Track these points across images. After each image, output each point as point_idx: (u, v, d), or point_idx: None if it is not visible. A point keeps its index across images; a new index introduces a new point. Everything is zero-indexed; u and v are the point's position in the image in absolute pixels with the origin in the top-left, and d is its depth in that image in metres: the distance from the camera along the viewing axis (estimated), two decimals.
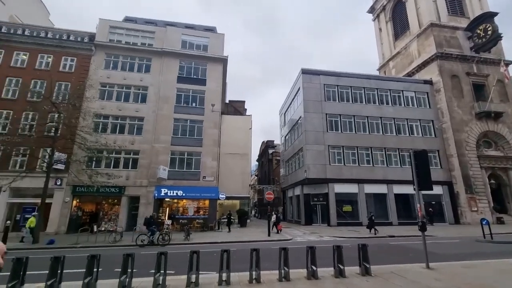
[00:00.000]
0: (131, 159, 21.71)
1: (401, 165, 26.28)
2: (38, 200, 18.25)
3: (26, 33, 22.91)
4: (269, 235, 17.26)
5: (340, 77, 28.24)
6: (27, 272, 5.50)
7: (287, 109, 35.26)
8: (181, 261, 8.58)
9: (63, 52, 22.64)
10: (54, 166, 16.86)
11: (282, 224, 21.22)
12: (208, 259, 9.22)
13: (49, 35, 23.25)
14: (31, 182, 17.81)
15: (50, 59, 22.26)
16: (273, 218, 19.82)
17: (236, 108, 39.62)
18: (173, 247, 13.11)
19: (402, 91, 28.86)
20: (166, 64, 24.22)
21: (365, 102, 27.93)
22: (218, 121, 24.00)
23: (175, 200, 22.31)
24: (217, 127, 23.79)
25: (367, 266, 6.94)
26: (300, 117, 27.85)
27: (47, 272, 5.46)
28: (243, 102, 44.14)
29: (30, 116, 19.89)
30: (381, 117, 27.49)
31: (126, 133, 22.11)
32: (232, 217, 27.18)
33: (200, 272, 6.18)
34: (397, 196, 25.15)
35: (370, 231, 18.10)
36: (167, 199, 21.98)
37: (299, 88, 28.52)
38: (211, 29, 29.01)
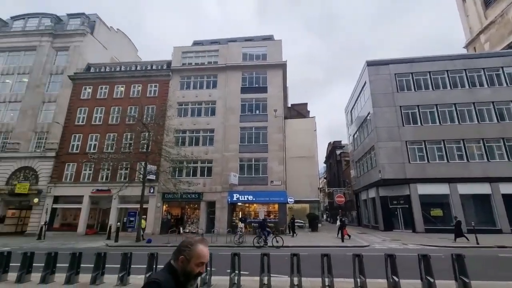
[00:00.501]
0: (206, 168, 23.98)
1: (509, 159, 21.32)
2: (137, 206, 22.02)
3: (122, 69, 28.21)
4: (342, 240, 16.41)
5: (413, 63, 24.99)
6: (132, 266, 6.75)
7: (353, 106, 33.08)
8: (253, 263, 9.01)
9: (148, 80, 26.91)
10: (148, 177, 20.02)
11: (357, 230, 19.83)
12: (279, 263, 9.39)
13: (138, 68, 28.06)
14: (132, 191, 21.55)
15: (140, 88, 26.77)
16: (338, 223, 18.79)
17: (298, 111, 39.34)
18: (246, 249, 13.81)
19: (502, 67, 23.55)
20: (230, 78, 26.04)
21: (450, 87, 23.88)
22: (281, 125, 24.32)
23: (247, 205, 23.50)
24: (281, 132, 24.13)
25: (466, 280, 5.91)
26: (369, 113, 25.74)
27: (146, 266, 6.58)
28: (305, 104, 43.50)
29: (128, 136, 24.20)
30: (474, 103, 23.01)
31: (200, 144, 24.60)
32: (300, 221, 26.87)
33: (271, 275, 6.38)
34: (507, 197, 20.43)
35: (455, 240, 15.26)
36: (239, 204, 23.34)
37: (365, 82, 26.47)
38: (269, 38, 29.85)
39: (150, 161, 20.45)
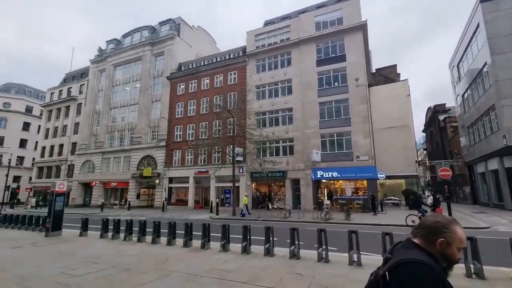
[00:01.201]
0: (288, 147, 24.53)
1: None
2: (231, 184, 24.78)
3: (205, 63, 31.17)
4: None
5: None
6: (230, 236, 7.86)
7: (461, 59, 26.60)
8: (341, 239, 8.99)
9: (228, 69, 28.88)
10: (236, 158, 22.11)
11: (472, 209, 16.70)
12: (369, 241, 9.07)
13: (218, 59, 30.38)
14: (225, 171, 24.34)
15: (221, 77, 29.11)
16: (429, 200, 16.05)
17: (385, 76, 34.58)
18: (333, 225, 13.77)
19: None
20: (304, 52, 25.06)
21: None
22: (365, 95, 22.10)
23: (332, 181, 23.02)
24: (364, 102, 21.99)
25: None
26: (485, 63, 20.27)
27: (241, 236, 7.55)
28: (394, 66, 37.74)
29: (217, 123, 27.05)
30: None
31: (280, 124, 25.17)
32: (395, 198, 24.61)
33: (361, 253, 6.27)
34: None
35: None
36: (323, 181, 23.10)
37: (478, 24, 20.72)
38: None
39: (237, 144, 22.35)
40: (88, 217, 11.88)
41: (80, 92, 41.15)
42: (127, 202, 29.25)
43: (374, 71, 35.64)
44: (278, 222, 15.51)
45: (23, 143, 51.01)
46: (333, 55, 23.82)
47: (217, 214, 20.55)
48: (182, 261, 6.55)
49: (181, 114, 30.78)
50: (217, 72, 29.47)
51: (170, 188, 29.83)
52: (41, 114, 48.74)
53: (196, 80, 30.75)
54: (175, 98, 31.53)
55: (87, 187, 35.85)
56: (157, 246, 8.46)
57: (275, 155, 24.62)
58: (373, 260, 6.46)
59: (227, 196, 26.93)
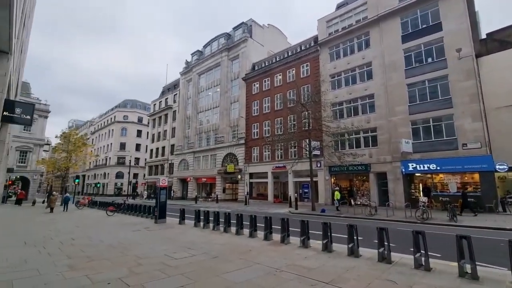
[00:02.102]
0: (370, 137, 22.28)
1: None
2: (309, 179, 24.31)
3: (277, 59, 31.44)
4: None
5: None
6: (310, 232, 7.67)
7: None
8: (445, 244, 7.56)
9: (300, 62, 28.31)
10: (313, 152, 21.50)
11: None
12: (488, 249, 7.33)
13: (289, 53, 30.14)
14: (302, 166, 24.04)
15: (293, 72, 28.79)
16: None
17: (503, 41, 26.91)
18: (433, 227, 11.72)
19: None
20: (385, 29, 22.11)
21: None
22: (471, 68, 17.84)
23: (429, 175, 19.64)
24: (471, 77, 17.76)
25: None
26: None
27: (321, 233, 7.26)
28: None
29: (291, 118, 26.93)
30: None
31: (360, 113, 23.06)
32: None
33: (477, 263, 5.05)
34: None
35: None
36: (417, 174, 19.96)
37: None
38: None
39: (313, 138, 21.69)
40: (185, 208, 13.77)
41: (174, 101, 48.01)
42: (216, 196, 32.51)
43: (484, 36, 28.34)
44: (362, 220, 14.32)
45: (138, 147, 63.42)
46: (424, 26, 20.11)
47: (296, 208, 20.52)
48: (263, 254, 6.78)
49: (257, 112, 32.04)
50: (289, 67, 29.26)
51: (250, 183, 31.58)
52: (148, 123, 59.36)
53: (269, 78, 31.37)
54: (251, 97, 33.01)
55: (184, 182, 41.71)
56: (241, 237, 9.04)
57: (356, 147, 22.75)
58: (494, 274, 5.14)
59: (305, 191, 26.58)
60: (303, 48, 29.24)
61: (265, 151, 30.18)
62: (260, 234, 9.05)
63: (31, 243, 8.26)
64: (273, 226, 8.80)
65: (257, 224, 9.31)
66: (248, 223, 9.33)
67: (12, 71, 7.80)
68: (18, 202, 27.91)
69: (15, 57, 8.71)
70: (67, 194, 23.88)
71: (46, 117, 40.94)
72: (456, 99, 18.04)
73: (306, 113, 21.49)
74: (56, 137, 37.77)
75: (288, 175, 27.08)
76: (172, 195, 40.16)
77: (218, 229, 10.46)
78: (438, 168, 18.20)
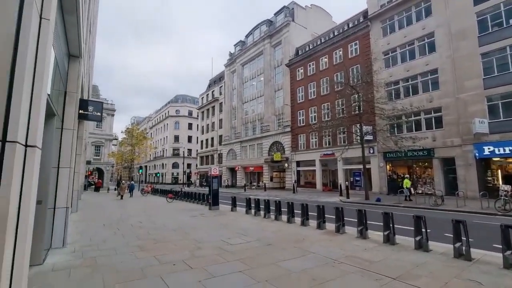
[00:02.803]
0: (432, 118, 19.77)
1: None
2: (360, 166, 22.91)
3: (322, 41, 29.75)
4: None
5: None
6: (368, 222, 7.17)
7: None
8: None
9: (347, 41, 26.29)
10: (365, 138, 20.05)
11: None
12: None
13: (335, 33, 28.20)
14: (353, 153, 22.70)
15: (340, 52, 26.93)
16: None
17: None
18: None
19: None
20: None
21: None
22: None
23: (510, 159, 16.68)
24: None
25: None
26: None
27: (382, 224, 6.71)
28: None
29: (340, 102, 25.44)
30: None
31: (420, 92, 20.56)
32: None
33: None
34: None
35: None
36: (495, 159, 17.11)
37: None
38: None
39: (365, 122, 20.19)
40: (235, 196, 14.24)
41: (220, 93, 49.55)
42: (263, 184, 33.00)
43: None
44: (426, 211, 12.92)
45: (189, 139, 67.75)
46: None
47: (348, 197, 19.58)
48: (318, 243, 6.57)
49: (302, 99, 31.08)
50: (336, 47, 27.44)
51: (298, 171, 31.16)
52: (197, 115, 62.69)
53: (313, 62, 29.96)
54: (295, 84, 32.09)
55: (232, 171, 43.31)
56: (292, 226, 8.95)
57: (416, 130, 20.48)
58: None
59: (357, 179, 25.17)
60: (350, 25, 27.02)
61: (312, 138, 29.29)
62: (312, 222, 8.82)
63: (108, 225, 9.46)
64: (326, 215, 8.49)
65: (309, 213, 9.09)
66: (299, 211, 9.18)
67: (83, 74, 8.80)
68: (97, 189, 32.63)
69: (85, 62, 9.81)
70: (132, 182, 27.32)
71: (112, 115, 46.28)
72: None
73: (356, 95, 19.99)
74: (121, 132, 42.55)
75: (337, 162, 25.90)
76: (226, 183, 42.16)
77: (269, 217, 10.54)
78: None
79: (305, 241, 6.84)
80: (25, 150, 2.01)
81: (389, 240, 6.43)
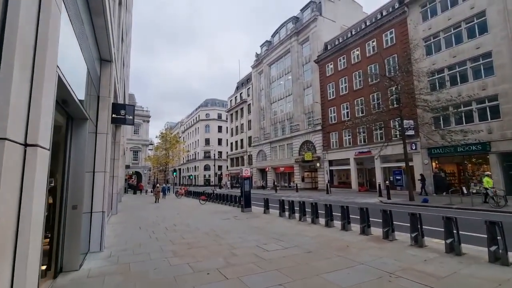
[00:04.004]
0: (487, 108, 17.47)
1: None
2: (401, 164, 21.12)
3: (352, 33, 28.17)
4: None
5: None
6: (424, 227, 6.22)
7: None
8: None
9: (381, 30, 24.53)
10: (406, 133, 18.37)
11: None
12: None
13: (368, 23, 26.51)
14: (392, 150, 21.02)
15: (374, 43, 25.22)
16: None
17: None
18: None
19: None
20: None
21: None
22: None
23: None
24: None
25: None
26: None
27: (443, 229, 5.75)
28: None
29: (375, 96, 23.77)
30: None
31: (470, 79, 18.32)
32: None
33: None
34: None
35: None
36: None
37: None
38: None
39: (406, 115, 18.51)
40: (267, 197, 13.77)
41: (248, 95, 49.63)
42: (295, 185, 32.14)
43: None
44: (486, 213, 11.28)
45: (219, 142, 69.01)
46: None
47: (389, 198, 18.04)
48: (365, 251, 5.82)
49: (333, 95, 29.72)
50: (369, 38, 25.76)
51: (331, 171, 29.80)
52: (226, 118, 63.57)
53: (344, 56, 28.49)
54: (325, 80, 30.82)
55: (263, 172, 42.98)
56: (332, 230, 8.22)
57: (466, 123, 18.29)
58: None
59: (397, 178, 23.21)
60: (384, 13, 25.18)
61: (345, 136, 27.80)
62: (355, 227, 8.01)
63: (144, 228, 9.55)
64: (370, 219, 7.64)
65: (350, 216, 8.28)
66: (337, 214, 8.41)
67: (116, 79, 8.98)
68: (135, 192, 34.53)
69: (118, 68, 10.07)
70: (163, 185, 28.60)
71: (148, 121, 48.75)
72: None
73: (394, 88, 18.39)
74: (156, 137, 44.55)
75: (374, 160, 24.17)
76: (256, 184, 42.00)
77: (304, 220, 9.89)
78: None
79: (349, 248, 6.12)
80: (25, 150, 1.71)
81: (453, 249, 5.46)
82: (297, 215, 10.42)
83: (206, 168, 67.48)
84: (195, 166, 70.95)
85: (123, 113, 7.20)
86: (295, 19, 37.71)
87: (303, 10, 36.36)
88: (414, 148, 21.05)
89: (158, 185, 25.06)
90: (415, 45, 18.98)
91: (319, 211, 9.51)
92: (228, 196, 17.67)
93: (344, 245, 6.43)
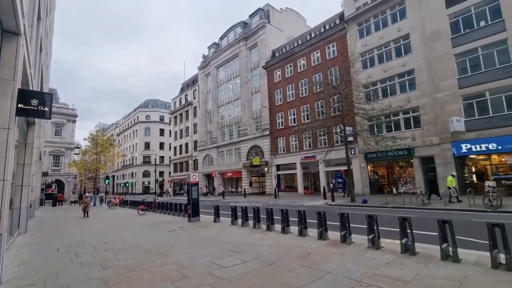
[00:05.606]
0: (411, 118, 20.10)
1: None
2: (341, 168, 22.66)
3: (299, 43, 29.54)
4: None
5: None
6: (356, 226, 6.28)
7: None
8: None
9: (325, 43, 26.28)
10: (347, 139, 19.74)
11: None
12: None
13: (312, 35, 28.13)
14: (335, 154, 22.37)
15: (318, 54, 26.85)
16: None
17: None
18: (509, 216, 9.81)
19: None
20: None
21: None
22: None
23: (481, 157, 17.27)
24: None
25: None
26: None
27: (391, 229, 5.87)
28: None
29: (320, 103, 25.16)
30: None
31: (398, 92, 20.89)
32: None
33: None
34: None
35: None
36: (471, 156, 17.63)
37: None
38: None
39: (346, 123, 19.91)
40: (217, 204, 12.85)
41: (194, 97, 47.61)
42: (243, 190, 31.67)
43: None
44: (416, 211, 12.60)
45: (161, 146, 64.35)
46: None
47: (333, 200, 19.00)
48: (328, 258, 5.53)
49: (280, 101, 30.52)
50: (313, 49, 27.33)
51: (278, 175, 30.35)
52: (170, 121, 59.78)
53: (291, 63, 29.63)
54: (273, 86, 31.50)
55: (209, 177, 41.40)
56: (289, 237, 7.85)
57: (395, 130, 20.68)
58: None
59: (338, 180, 24.83)
60: (327, 27, 27.11)
61: (292, 141, 28.72)
62: (312, 232, 7.80)
63: (63, 249, 7.62)
64: (309, 220, 7.50)
65: (309, 220, 8.05)
66: (293, 219, 8.12)
67: (28, 62, 7.04)
68: (54, 203, 29.02)
69: (31, 50, 8.00)
70: (92, 195, 24.98)
71: (74, 121, 42.17)
72: None
73: (337, 96, 19.68)
74: (84, 139, 38.76)
75: (319, 164, 25.50)
76: (202, 191, 39.99)
77: (259, 227, 9.35)
78: (500, 147, 15.83)
79: (312, 256, 5.76)
80: None
81: (408, 249, 5.58)
82: (251, 222, 9.82)
83: (146, 174, 62.01)
84: (132, 173, 64.52)
85: (35, 104, 5.53)
86: (244, 24, 37.89)
87: (251, 16, 36.78)
88: (353, 153, 22.83)
89: (87, 194, 21.41)
90: (354, 59, 20.82)
91: (274, 217, 9.09)
92: (173, 204, 16.07)
93: (305, 252, 6.06)
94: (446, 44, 18.24)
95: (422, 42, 19.47)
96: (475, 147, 16.67)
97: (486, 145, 16.22)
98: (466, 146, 16.99)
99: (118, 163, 69.22)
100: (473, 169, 18.26)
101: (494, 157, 16.99)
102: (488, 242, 4.63)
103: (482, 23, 16.95)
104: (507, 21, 15.92)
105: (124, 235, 9.46)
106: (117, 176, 73.45)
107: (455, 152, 17.35)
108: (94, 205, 21.78)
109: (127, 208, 22.51)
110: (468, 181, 17.65)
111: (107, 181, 38.36)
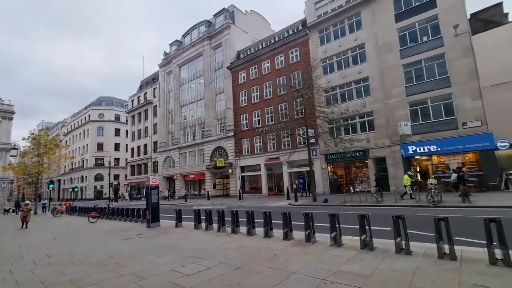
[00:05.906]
0: (366, 122, 21.64)
1: None
2: (303, 169, 23.43)
3: (263, 46, 29.92)
4: None
5: None
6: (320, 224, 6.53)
7: None
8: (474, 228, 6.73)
9: (288, 47, 27.00)
10: (310, 140, 20.49)
11: None
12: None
13: (276, 39, 28.72)
14: (297, 156, 23.04)
15: (282, 57, 27.47)
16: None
17: (487, 20, 27.09)
18: (452, 210, 11.06)
19: None
20: (378, 8, 21.28)
21: None
22: (468, 44, 17.45)
23: (423, 157, 19.34)
24: (469, 54, 17.38)
25: None
26: None
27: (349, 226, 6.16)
28: (499, 5, 29.28)
29: (283, 106, 25.75)
30: None
31: (355, 98, 22.32)
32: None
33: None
34: None
35: None
36: (417, 157, 19.60)
37: None
38: None
39: (309, 125, 20.65)
40: (179, 208, 12.26)
41: (154, 96, 45.24)
42: (207, 192, 30.91)
43: (468, 17, 28.44)
44: (371, 208, 13.52)
45: (117, 147, 59.80)
46: (418, 3, 19.46)
47: (296, 200, 19.53)
48: (294, 259, 5.57)
49: (245, 103, 30.54)
50: (278, 53, 27.91)
51: (243, 177, 30.28)
52: (126, 120, 55.91)
53: (256, 66, 29.87)
54: (238, 87, 31.41)
55: (170, 180, 39.62)
56: (254, 238, 7.79)
57: (352, 133, 22.06)
58: (474, 253, 4.27)
59: (301, 181, 25.68)
60: (290, 32, 27.92)
61: (257, 143, 28.91)
62: (277, 232, 7.84)
63: None
64: (275, 221, 7.60)
65: (274, 222, 8.07)
66: (259, 220, 8.09)
67: None
68: None
69: None
70: (30, 201, 21.28)
71: (10, 118, 37.00)
72: (454, 78, 17.64)
73: (299, 100, 20.35)
74: (23, 139, 34.11)
75: (283, 166, 26.06)
76: (163, 194, 38.01)
77: (224, 230, 9.13)
78: (439, 149, 17.83)
79: (277, 257, 5.75)
80: None
81: (367, 245, 5.89)
82: (215, 225, 9.55)
83: (98, 178, 57.07)
84: (82, 176, 58.86)
85: None
86: (208, 23, 37.21)
87: (216, 15, 36.31)
88: (315, 154, 23.75)
89: (27, 202, 18.65)
90: (316, 64, 21.76)
91: (239, 219, 8.95)
92: (129, 210, 14.95)
93: (271, 254, 6.04)
94: (396, 55, 20.07)
95: (376, 52, 21.14)
96: (419, 149, 18.56)
97: (428, 147, 18.17)
98: (412, 148, 18.82)
99: (65, 166, 62.59)
100: (418, 169, 20.31)
101: (435, 157, 19.14)
102: (434, 234, 5.10)
103: (425, 38, 19.02)
104: (445, 38, 18.09)
105: (71, 247, 8.48)
106: (64, 180, 66.37)
107: (403, 153, 19.11)
108: (35, 213, 19.11)
109: (76, 215, 20.39)
110: (414, 180, 19.51)
111: (51, 186, 34.33)
